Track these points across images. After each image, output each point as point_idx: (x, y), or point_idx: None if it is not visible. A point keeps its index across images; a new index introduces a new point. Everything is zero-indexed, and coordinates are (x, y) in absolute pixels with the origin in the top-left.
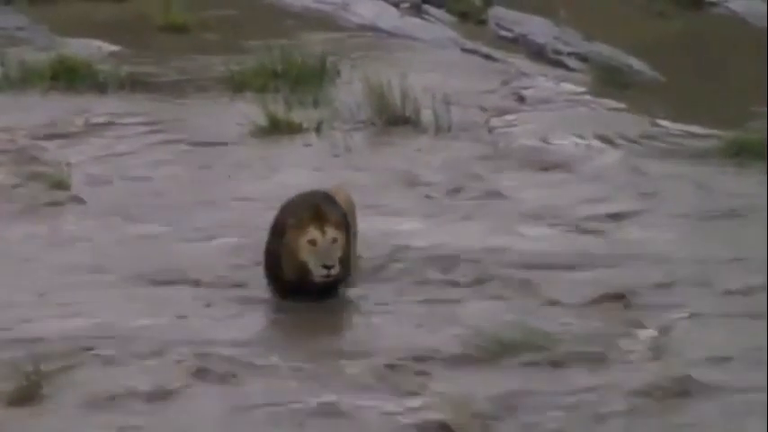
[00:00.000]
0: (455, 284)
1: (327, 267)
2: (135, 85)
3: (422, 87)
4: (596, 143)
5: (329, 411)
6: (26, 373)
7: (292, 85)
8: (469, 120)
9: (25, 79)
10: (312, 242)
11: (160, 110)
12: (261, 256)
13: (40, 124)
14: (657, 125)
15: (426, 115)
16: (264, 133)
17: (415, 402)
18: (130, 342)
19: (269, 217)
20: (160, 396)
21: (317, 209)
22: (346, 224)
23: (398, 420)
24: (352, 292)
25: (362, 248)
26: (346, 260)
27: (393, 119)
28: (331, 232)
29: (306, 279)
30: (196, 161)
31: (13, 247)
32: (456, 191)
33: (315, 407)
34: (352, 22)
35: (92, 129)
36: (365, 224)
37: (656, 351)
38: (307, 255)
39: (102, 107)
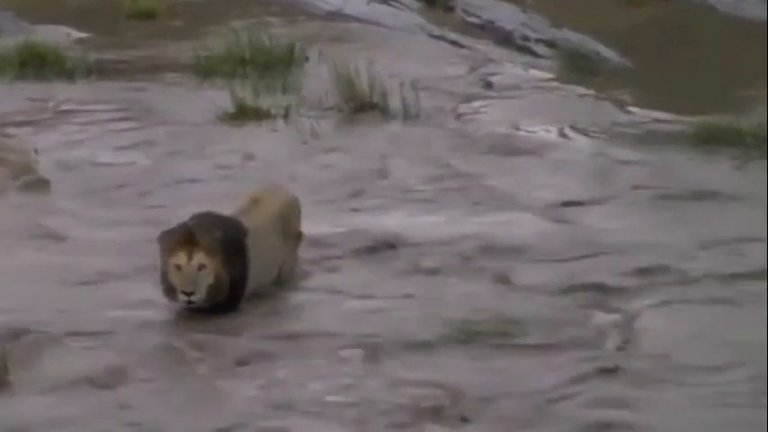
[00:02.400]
0: (424, 272)
1: (187, 294)
2: (103, 71)
3: (390, 74)
4: (564, 130)
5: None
6: None
7: (260, 71)
8: (437, 106)
9: None
10: (177, 267)
11: (128, 96)
12: None
13: (8, 111)
14: (626, 112)
15: (394, 102)
16: (232, 119)
17: (383, 387)
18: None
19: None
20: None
21: (188, 234)
22: (230, 249)
23: (366, 406)
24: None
25: (331, 236)
26: (221, 285)
27: (361, 105)
28: (199, 258)
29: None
30: (164, 147)
31: None
32: (424, 177)
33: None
34: (321, 9)
35: (60, 115)
36: (332, 212)
37: (623, 337)
38: (173, 278)
39: (70, 94)
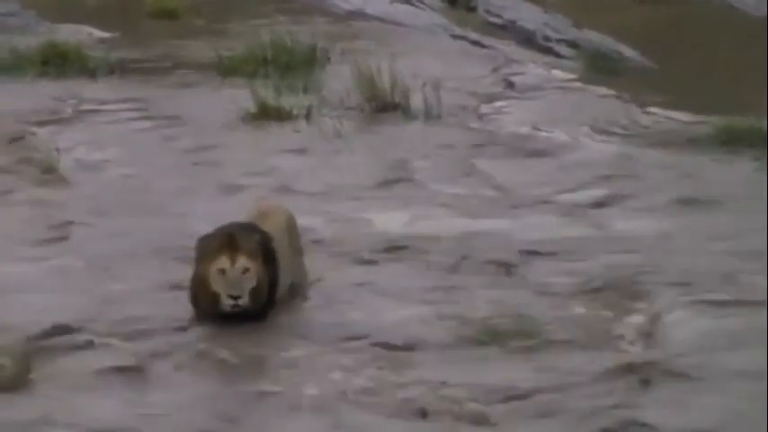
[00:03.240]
0: (444, 271)
1: (234, 298)
2: (125, 70)
3: (411, 73)
4: (586, 130)
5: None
6: (15, 359)
7: (282, 71)
8: (459, 106)
9: (16, 65)
10: (221, 271)
11: (150, 96)
12: None
13: (31, 110)
14: (647, 112)
15: (416, 102)
16: (254, 119)
17: (403, 390)
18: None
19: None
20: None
21: (230, 238)
22: (265, 253)
23: (388, 408)
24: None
25: (352, 236)
26: (262, 288)
27: (382, 105)
28: (242, 262)
29: (217, 308)
30: (185, 147)
31: (5, 231)
32: (445, 177)
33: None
34: (342, 9)
35: (81, 114)
36: (354, 212)
37: (645, 337)
38: (216, 284)
39: (92, 93)
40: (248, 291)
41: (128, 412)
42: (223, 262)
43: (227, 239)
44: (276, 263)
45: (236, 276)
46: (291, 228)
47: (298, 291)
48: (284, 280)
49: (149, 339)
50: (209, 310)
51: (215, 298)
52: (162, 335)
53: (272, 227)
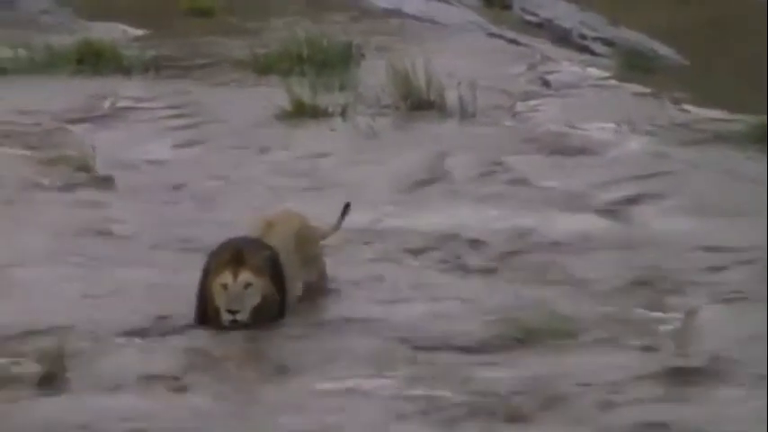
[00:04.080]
0: (479, 269)
1: (232, 312)
2: (160, 68)
3: (447, 72)
4: (621, 128)
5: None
6: (52, 358)
7: (317, 68)
8: (495, 104)
9: (51, 63)
10: (224, 286)
11: (185, 93)
12: None
13: (66, 108)
14: (682, 110)
15: (451, 100)
16: (289, 117)
17: (441, 388)
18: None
19: (292, 201)
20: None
21: (237, 253)
22: (274, 269)
23: (425, 404)
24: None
25: (387, 233)
26: (267, 305)
27: (418, 103)
28: (245, 277)
29: (220, 323)
30: (221, 145)
31: (42, 229)
32: (481, 175)
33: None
34: (378, 6)
35: (117, 112)
36: (389, 209)
37: (680, 335)
38: (218, 298)
39: (127, 91)
40: (249, 307)
41: (164, 413)
42: (226, 277)
43: (235, 254)
44: (283, 277)
45: (237, 292)
46: (303, 235)
47: (318, 290)
48: (292, 290)
49: (187, 339)
50: (214, 323)
51: (217, 312)
52: (199, 335)
53: (278, 237)
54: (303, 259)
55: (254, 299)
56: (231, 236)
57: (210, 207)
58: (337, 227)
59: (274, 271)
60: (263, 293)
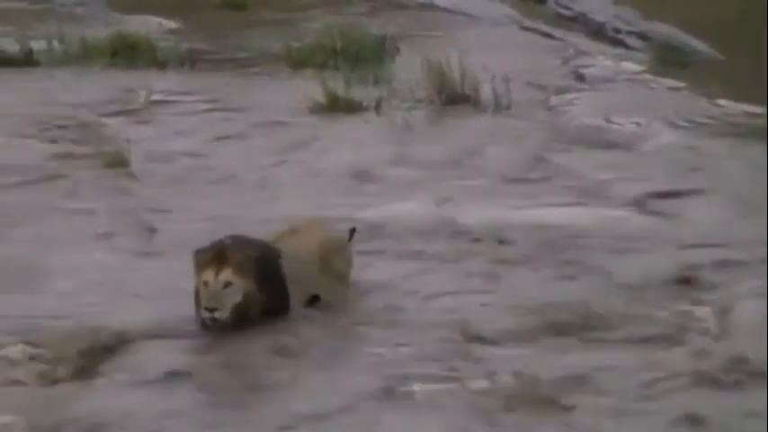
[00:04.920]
0: (515, 263)
1: (210, 310)
2: (194, 61)
3: (481, 65)
4: (655, 122)
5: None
6: (85, 351)
7: (352, 62)
8: (529, 98)
9: (85, 56)
10: (205, 283)
11: (219, 86)
12: None
13: (101, 101)
14: (716, 104)
15: (485, 93)
16: (323, 110)
17: (476, 381)
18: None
19: (324, 195)
20: None
21: (220, 251)
22: (263, 268)
23: (461, 397)
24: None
25: (423, 226)
26: (250, 304)
27: (452, 97)
28: (225, 275)
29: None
30: (254, 138)
31: (73, 222)
32: (515, 169)
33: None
34: (412, 0)
35: (151, 105)
36: (425, 202)
37: (717, 331)
38: (201, 295)
39: (161, 84)
40: (230, 305)
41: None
42: (208, 274)
43: (217, 252)
44: (280, 277)
45: (216, 290)
46: (331, 251)
47: (336, 305)
48: (299, 293)
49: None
50: (199, 320)
51: (200, 309)
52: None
53: (295, 243)
54: (326, 269)
55: (234, 297)
56: (267, 229)
57: (244, 201)
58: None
59: (262, 271)
60: (245, 293)
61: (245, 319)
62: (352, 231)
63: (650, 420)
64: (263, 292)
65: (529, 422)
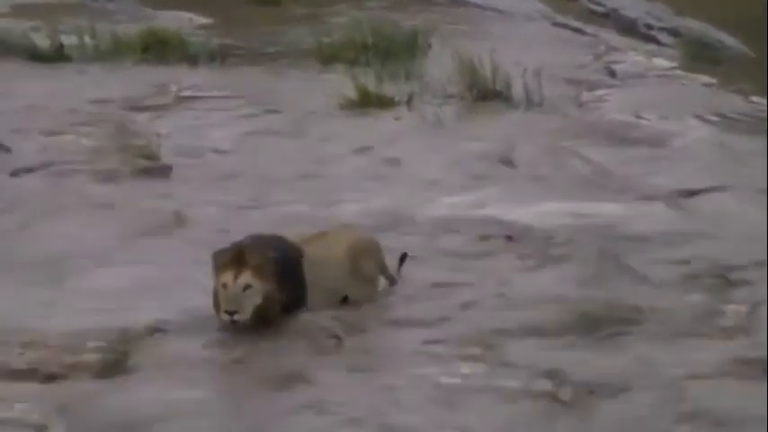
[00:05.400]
0: (543, 258)
1: (230, 313)
2: (225, 57)
3: (513, 61)
4: (687, 119)
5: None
6: (113, 346)
7: (383, 57)
8: (560, 94)
9: (116, 51)
10: (224, 286)
11: (250, 82)
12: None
13: (131, 96)
14: (748, 101)
15: (517, 89)
16: (354, 106)
17: (501, 374)
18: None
19: (356, 192)
20: None
21: (239, 253)
22: (282, 269)
23: (488, 391)
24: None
25: (456, 223)
26: (270, 306)
27: (484, 93)
28: (245, 278)
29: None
30: (286, 134)
31: (103, 216)
32: (546, 165)
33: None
34: None
35: (182, 101)
36: (457, 199)
37: (746, 327)
38: (220, 297)
39: (192, 79)
40: (250, 307)
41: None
42: (227, 277)
43: (236, 254)
44: (301, 278)
45: (236, 292)
46: (358, 250)
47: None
48: (327, 294)
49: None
50: (220, 321)
51: (220, 311)
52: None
53: (323, 246)
54: (355, 271)
55: (254, 299)
56: (292, 224)
57: (274, 197)
58: (395, 280)
59: (282, 271)
60: (264, 294)
61: (265, 320)
62: (403, 257)
63: (681, 415)
64: (283, 292)
65: (557, 417)
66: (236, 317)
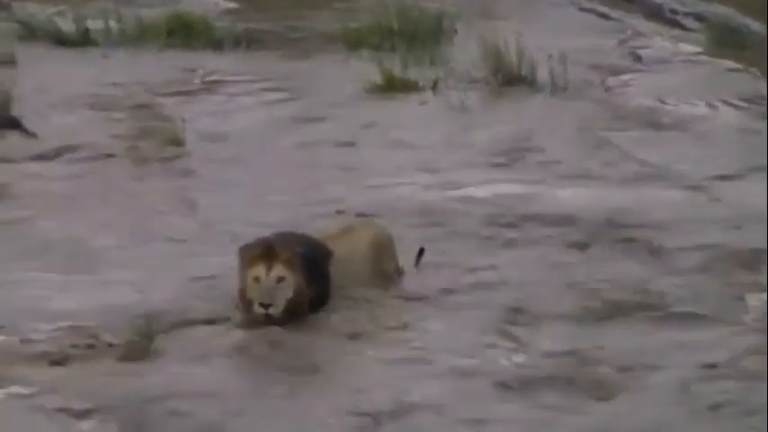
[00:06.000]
0: (569, 245)
1: (264, 306)
2: (251, 42)
3: (538, 46)
4: (713, 103)
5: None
6: (137, 330)
7: (408, 42)
8: (586, 79)
9: (141, 36)
10: (256, 279)
11: (275, 67)
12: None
13: (157, 80)
14: None
15: (542, 74)
16: (380, 91)
17: (527, 358)
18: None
19: (378, 177)
20: None
21: (269, 247)
22: (310, 265)
23: (512, 376)
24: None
25: (482, 206)
26: (300, 299)
27: (509, 78)
28: (278, 271)
29: (254, 316)
30: (311, 118)
31: (129, 203)
32: (572, 150)
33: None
34: None
35: (207, 85)
36: (482, 184)
37: None
38: (251, 292)
39: (217, 64)
40: (283, 301)
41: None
42: (259, 270)
43: (266, 248)
44: (327, 275)
45: (270, 285)
46: (380, 250)
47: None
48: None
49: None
50: (248, 317)
51: (250, 305)
52: None
53: (348, 244)
54: (376, 269)
55: (286, 292)
56: (311, 212)
57: (297, 182)
58: (403, 271)
59: (310, 267)
60: (296, 288)
61: (294, 315)
62: (421, 252)
63: (706, 399)
64: (310, 287)
65: (586, 400)
66: (270, 310)
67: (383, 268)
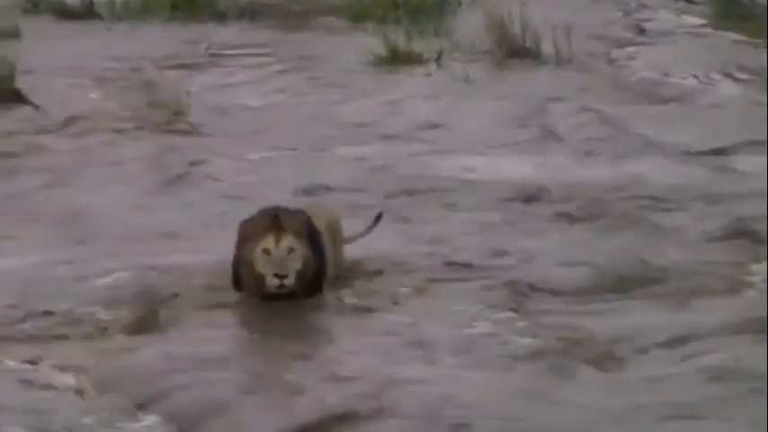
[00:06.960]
0: (572, 219)
1: (279, 277)
2: (255, 14)
3: (542, 18)
4: (716, 76)
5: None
6: (144, 303)
7: (413, 15)
8: (590, 51)
9: (145, 9)
10: (266, 251)
11: (279, 40)
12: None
13: (161, 53)
14: None
15: (547, 46)
16: (384, 63)
17: (533, 334)
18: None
19: (383, 147)
20: None
21: (275, 218)
22: (311, 234)
23: (518, 351)
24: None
25: (482, 182)
26: (308, 270)
27: (513, 50)
28: (288, 241)
29: (263, 290)
30: (315, 92)
31: (136, 177)
32: (575, 123)
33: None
34: None
35: (211, 58)
36: (485, 157)
37: None
38: (261, 264)
39: (221, 37)
40: (294, 271)
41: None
42: (268, 242)
43: (273, 220)
44: (323, 245)
45: (282, 256)
46: (333, 227)
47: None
48: (330, 264)
49: None
50: (255, 291)
51: (260, 279)
52: None
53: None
54: (335, 248)
55: (296, 263)
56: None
57: (303, 155)
58: (362, 234)
59: (311, 236)
60: (304, 259)
61: (302, 287)
62: (378, 217)
63: (703, 372)
64: (314, 259)
65: (583, 376)
66: (285, 281)
67: (339, 249)
